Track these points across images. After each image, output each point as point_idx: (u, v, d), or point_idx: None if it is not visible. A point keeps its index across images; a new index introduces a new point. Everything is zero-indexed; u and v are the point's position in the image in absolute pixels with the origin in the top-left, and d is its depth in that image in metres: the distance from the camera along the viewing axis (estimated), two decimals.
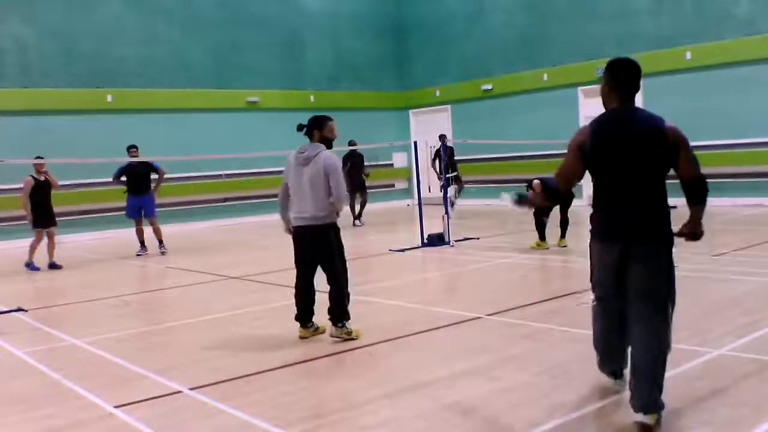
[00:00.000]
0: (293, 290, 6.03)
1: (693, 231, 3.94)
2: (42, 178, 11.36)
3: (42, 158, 11.54)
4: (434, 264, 10.01)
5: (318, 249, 5.83)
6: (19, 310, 7.81)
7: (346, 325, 5.73)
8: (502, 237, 12.18)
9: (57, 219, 11.72)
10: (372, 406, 4.17)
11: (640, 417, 3.51)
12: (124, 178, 12.58)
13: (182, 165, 16.70)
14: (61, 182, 12.05)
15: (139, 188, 12.53)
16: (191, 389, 4.61)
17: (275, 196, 19.33)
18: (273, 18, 19.46)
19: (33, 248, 11.42)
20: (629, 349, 3.79)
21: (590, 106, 17.76)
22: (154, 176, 12.77)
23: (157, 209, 12.92)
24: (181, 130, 17.32)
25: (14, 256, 13.67)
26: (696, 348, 4.85)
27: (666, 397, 3.86)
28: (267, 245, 13.31)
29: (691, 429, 3.54)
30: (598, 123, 3.76)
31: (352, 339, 5.69)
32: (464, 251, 10.71)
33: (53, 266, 11.39)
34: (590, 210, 3.94)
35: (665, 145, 3.65)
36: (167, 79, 17.57)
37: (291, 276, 9.08)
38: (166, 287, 9.46)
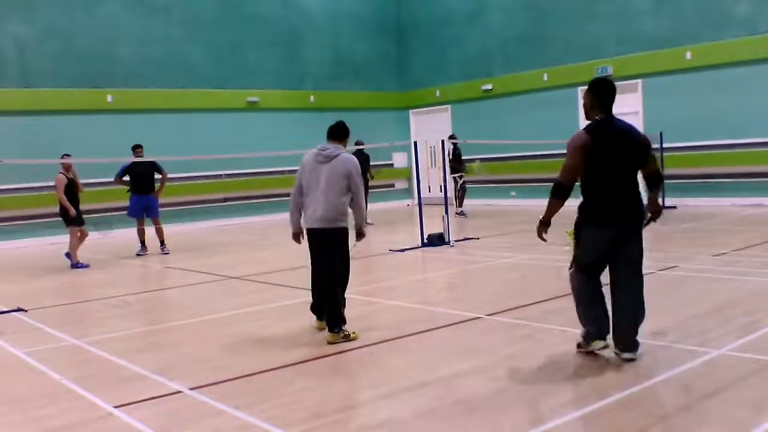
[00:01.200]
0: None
1: (657, 210, 4.83)
2: (71, 176, 11.38)
3: (69, 156, 11.53)
4: (434, 264, 10.01)
5: (323, 252, 5.82)
6: (19, 310, 7.81)
7: (344, 328, 5.69)
8: (502, 237, 12.18)
9: (58, 219, 11.73)
10: (372, 406, 4.17)
11: (627, 355, 4.65)
12: (126, 178, 12.57)
13: (182, 165, 16.71)
14: None
15: (143, 188, 12.51)
16: (191, 389, 4.61)
17: (275, 196, 19.28)
18: (273, 18, 19.47)
19: (74, 246, 11.38)
20: (611, 308, 4.76)
21: None
22: (156, 176, 12.76)
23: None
24: (181, 130, 17.33)
25: (14, 256, 13.69)
26: (696, 348, 4.85)
27: (666, 396, 3.88)
28: (267, 245, 13.32)
29: (691, 429, 3.54)
30: (594, 130, 4.62)
31: (351, 340, 5.67)
32: (464, 251, 10.71)
33: (69, 257, 11.45)
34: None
35: (643, 147, 4.68)
36: (167, 79, 17.58)
37: (290, 276, 9.11)
38: (167, 287, 9.46)
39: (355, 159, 5.88)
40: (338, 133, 5.94)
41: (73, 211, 11.15)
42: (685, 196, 15.36)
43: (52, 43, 16.10)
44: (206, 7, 18.39)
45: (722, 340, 5.03)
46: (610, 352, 4.73)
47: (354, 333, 5.72)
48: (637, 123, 16.88)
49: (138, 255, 12.47)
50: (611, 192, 4.60)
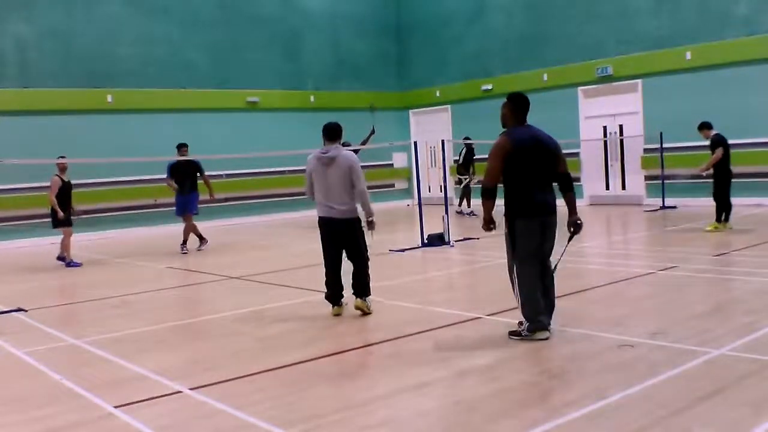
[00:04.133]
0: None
1: (576, 223, 5.41)
2: (66, 179, 11.47)
3: (64, 157, 11.61)
4: (434, 264, 10.00)
5: (339, 238, 6.66)
6: (19, 310, 7.81)
7: (366, 300, 6.58)
8: (502, 237, 12.14)
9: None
10: (372, 406, 4.17)
11: (552, 327, 5.40)
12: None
13: None
14: None
15: (186, 187, 12.60)
16: (191, 389, 4.61)
17: (275, 196, 19.32)
18: (273, 18, 19.47)
19: (67, 246, 11.56)
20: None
21: (590, 106, 17.77)
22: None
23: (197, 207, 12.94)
24: (181, 130, 17.28)
25: (14, 256, 13.69)
26: (696, 348, 4.85)
27: (666, 396, 3.87)
28: (267, 245, 13.32)
29: (691, 429, 3.54)
30: (511, 135, 5.28)
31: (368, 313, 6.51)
32: (464, 251, 10.71)
33: (62, 259, 11.59)
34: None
35: (554, 149, 5.38)
36: (167, 79, 17.57)
37: (291, 276, 9.11)
38: (167, 287, 9.45)
39: (353, 154, 6.66)
40: (334, 133, 6.55)
41: (61, 214, 11.28)
42: (685, 196, 15.35)
43: (52, 43, 16.09)
44: (206, 7, 18.38)
45: (722, 340, 5.02)
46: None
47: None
48: (637, 123, 16.92)
49: (183, 253, 12.48)
50: (532, 188, 5.27)
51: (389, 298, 7.30)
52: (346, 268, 6.67)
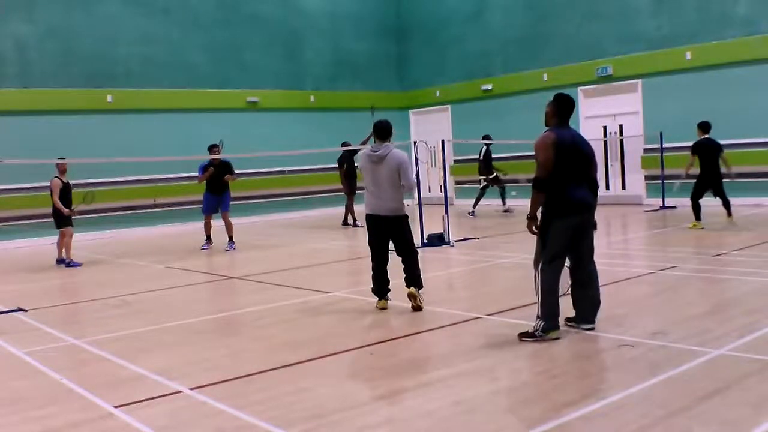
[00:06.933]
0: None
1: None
2: (66, 180, 11.51)
3: (64, 159, 11.66)
4: (434, 264, 9.99)
5: (389, 235, 6.82)
6: (19, 310, 7.81)
7: (420, 293, 6.64)
8: (502, 237, 12.17)
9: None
10: (372, 406, 4.18)
11: (588, 326, 5.49)
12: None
13: (182, 165, 16.71)
14: None
15: (218, 188, 12.68)
16: (191, 389, 4.61)
17: (275, 196, 19.44)
18: (273, 18, 19.47)
19: (68, 246, 11.61)
20: (576, 288, 5.53)
21: (590, 106, 17.77)
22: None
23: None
24: (181, 130, 17.32)
25: (14, 256, 13.69)
26: (696, 348, 4.85)
27: (666, 396, 3.87)
28: (267, 245, 13.31)
29: (691, 429, 3.54)
30: (558, 133, 5.36)
31: (420, 309, 6.53)
32: (464, 251, 10.71)
33: (62, 262, 11.62)
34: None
35: (590, 152, 5.50)
36: (167, 79, 17.58)
37: (291, 276, 9.11)
38: (167, 287, 9.44)
39: (403, 152, 6.71)
40: (385, 132, 6.70)
41: (66, 211, 11.36)
42: (685, 196, 15.34)
43: (52, 43, 16.09)
44: (206, 7, 18.38)
45: (722, 340, 5.03)
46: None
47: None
48: (637, 123, 16.92)
49: (203, 249, 12.65)
50: (570, 185, 5.30)
51: (389, 298, 7.29)
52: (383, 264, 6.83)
